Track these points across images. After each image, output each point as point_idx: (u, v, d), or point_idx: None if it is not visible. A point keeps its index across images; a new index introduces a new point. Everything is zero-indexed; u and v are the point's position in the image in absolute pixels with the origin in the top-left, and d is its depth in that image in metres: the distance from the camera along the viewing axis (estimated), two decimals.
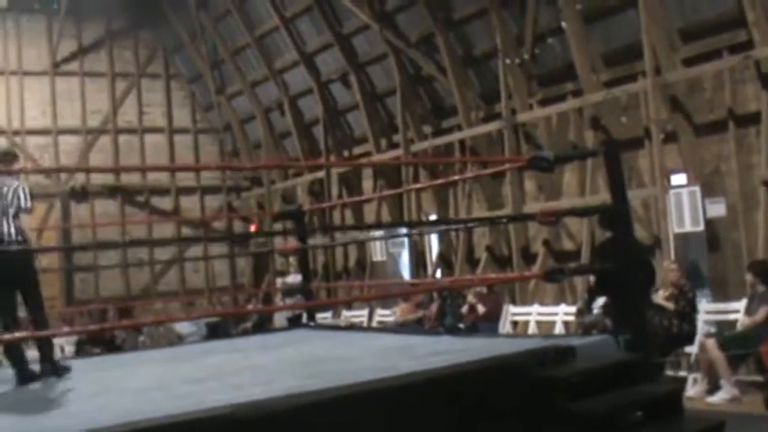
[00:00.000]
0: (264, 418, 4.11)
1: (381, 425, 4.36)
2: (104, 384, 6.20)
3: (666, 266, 10.95)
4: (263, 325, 16.31)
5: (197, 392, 5.19)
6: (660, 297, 10.34)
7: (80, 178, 22.88)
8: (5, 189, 6.83)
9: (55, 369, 6.83)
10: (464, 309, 13.67)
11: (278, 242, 16.97)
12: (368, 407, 4.40)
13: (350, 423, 4.28)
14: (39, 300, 6.91)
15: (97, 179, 23.12)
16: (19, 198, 6.82)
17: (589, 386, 5.04)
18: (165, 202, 23.96)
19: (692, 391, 9.75)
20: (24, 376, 6.64)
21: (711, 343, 9.74)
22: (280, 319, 15.40)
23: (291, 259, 16.65)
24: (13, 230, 6.77)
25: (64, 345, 14.94)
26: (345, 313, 17.34)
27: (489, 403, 4.74)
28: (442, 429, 4.54)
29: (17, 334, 6.65)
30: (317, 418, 4.23)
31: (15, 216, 6.73)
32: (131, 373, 6.80)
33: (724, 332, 10.65)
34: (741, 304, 10.56)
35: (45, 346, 6.95)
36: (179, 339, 14.89)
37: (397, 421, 4.41)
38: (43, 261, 20.13)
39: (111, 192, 23.32)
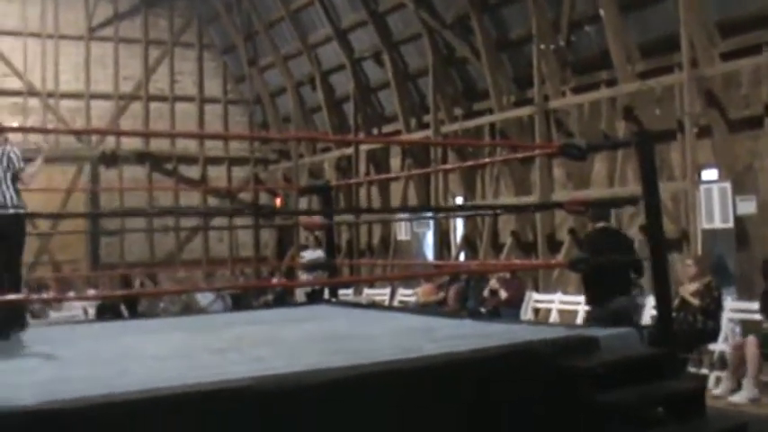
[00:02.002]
0: (286, 391, 4.11)
1: (401, 405, 4.36)
2: (125, 350, 6.21)
3: (685, 263, 10.88)
4: (284, 298, 16.35)
5: (218, 363, 5.21)
6: (686, 292, 10.26)
7: (110, 143, 22.99)
8: (3, 157, 7.13)
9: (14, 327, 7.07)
10: (486, 293, 13.64)
11: (303, 216, 16.97)
12: (388, 386, 4.40)
13: (370, 401, 4.28)
14: (19, 261, 7.30)
15: (127, 145, 23.22)
16: (12, 161, 7.15)
17: (612, 378, 5.01)
18: (193, 171, 24.02)
19: (717, 389, 9.68)
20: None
21: (752, 340, 9.59)
22: (300, 293, 15.44)
23: (313, 234, 16.69)
24: (12, 194, 7.11)
25: (87, 307, 15.06)
26: (367, 291, 17.34)
27: (510, 390, 4.73)
28: (463, 414, 4.53)
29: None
30: (338, 394, 4.23)
31: (14, 180, 7.01)
32: (152, 340, 6.83)
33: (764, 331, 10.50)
34: None
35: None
36: (199, 309, 14.94)
37: (418, 402, 4.40)
38: (70, 224, 20.36)
39: (140, 158, 23.40)
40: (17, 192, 7.16)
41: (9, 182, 7.09)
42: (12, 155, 7.15)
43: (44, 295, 13.53)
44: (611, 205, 10.31)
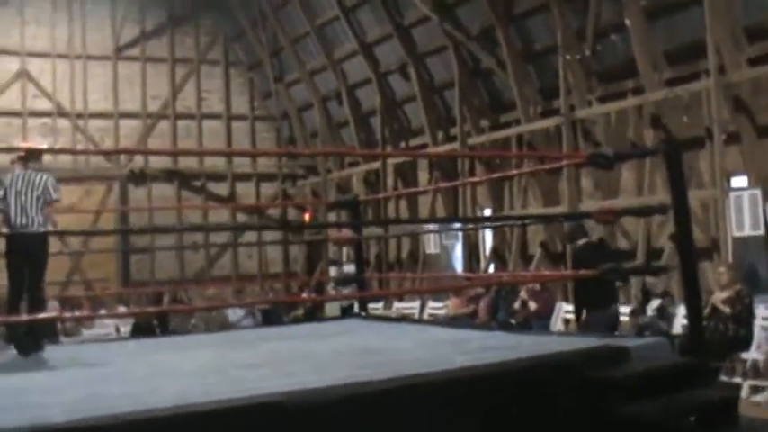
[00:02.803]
0: (318, 406, 4.12)
1: (433, 418, 4.35)
2: (157, 367, 6.24)
3: (717, 271, 10.83)
4: (314, 313, 16.39)
5: (250, 378, 5.22)
6: (717, 300, 10.19)
7: (139, 161, 23.17)
8: (37, 181, 7.49)
9: (34, 346, 7.20)
10: (516, 304, 13.60)
11: (332, 231, 17.03)
12: (420, 399, 4.39)
13: (402, 414, 4.27)
14: (40, 281, 7.57)
15: (155, 163, 23.38)
16: (48, 189, 7.51)
17: (642, 388, 4.97)
18: (222, 188, 24.15)
19: (757, 396, 9.61)
20: (23, 348, 7.11)
21: None
22: (331, 307, 15.47)
23: (345, 249, 16.73)
24: (40, 218, 7.43)
25: (119, 325, 15.16)
26: (397, 305, 17.35)
27: (542, 401, 4.72)
28: (494, 425, 4.51)
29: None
30: (371, 408, 4.23)
31: (43, 206, 7.27)
32: (184, 357, 6.85)
33: None
34: None
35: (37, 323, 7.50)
36: (230, 325, 15.00)
37: (449, 415, 4.39)
38: (100, 243, 20.54)
39: (169, 176, 23.56)
40: (43, 216, 7.38)
41: (38, 207, 7.36)
42: (49, 184, 7.48)
43: (76, 313, 13.65)
44: (582, 222, 10.76)
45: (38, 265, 7.50)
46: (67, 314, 11.67)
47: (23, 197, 7.38)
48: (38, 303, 7.48)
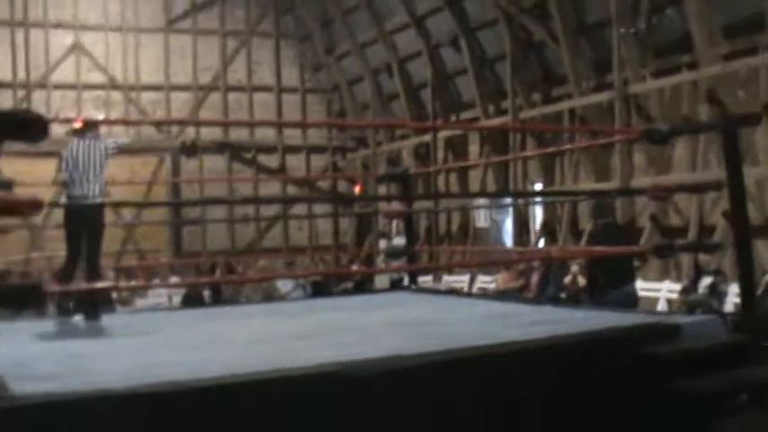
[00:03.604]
0: (372, 376, 4.15)
1: (485, 391, 4.37)
2: (210, 336, 6.33)
3: None
4: (363, 285, 16.46)
5: (304, 348, 5.28)
6: None
7: (190, 133, 23.33)
8: (92, 150, 7.64)
9: (92, 313, 7.38)
10: (567, 279, 13.55)
11: (382, 204, 17.08)
12: (473, 372, 4.42)
13: (455, 387, 4.30)
14: (97, 250, 7.73)
15: (206, 135, 23.54)
16: (106, 152, 7.73)
17: (694, 365, 4.96)
18: (272, 160, 24.27)
19: None
20: (90, 317, 7.30)
21: None
22: (380, 280, 15.52)
23: (395, 222, 16.75)
24: (97, 189, 7.59)
25: (172, 294, 15.35)
26: (446, 278, 17.36)
27: (593, 376, 4.71)
28: (545, 399, 4.53)
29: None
30: (424, 380, 4.27)
31: (100, 174, 7.36)
32: (237, 326, 6.94)
33: None
34: None
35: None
36: (280, 296, 15.12)
37: (502, 388, 4.41)
38: (153, 214, 20.79)
39: (220, 148, 23.71)
40: (100, 185, 7.48)
41: (96, 175, 7.45)
42: (109, 146, 7.61)
43: (132, 282, 13.86)
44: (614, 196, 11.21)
45: (95, 235, 7.63)
46: (122, 283, 11.82)
47: (81, 168, 7.50)
48: (95, 273, 7.61)
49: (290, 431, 3.94)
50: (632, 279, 10.07)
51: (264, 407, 3.94)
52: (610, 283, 9.67)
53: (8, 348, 5.44)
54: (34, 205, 4.05)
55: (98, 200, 7.56)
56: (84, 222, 7.54)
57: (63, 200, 7.65)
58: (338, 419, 4.06)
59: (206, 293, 15.58)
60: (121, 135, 18.85)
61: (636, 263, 11.23)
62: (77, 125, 7.90)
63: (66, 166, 7.64)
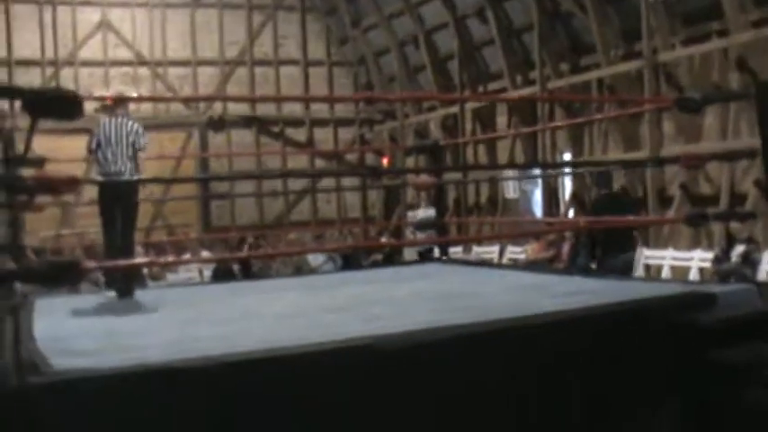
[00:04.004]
0: (406, 349, 4.17)
1: (521, 362, 4.38)
2: (243, 310, 6.37)
3: None
4: (392, 257, 16.48)
5: (336, 322, 5.31)
6: None
7: (217, 108, 23.39)
8: (126, 128, 7.69)
9: (126, 290, 7.48)
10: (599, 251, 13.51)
11: (411, 176, 17.06)
12: (507, 345, 4.42)
13: (492, 359, 4.30)
14: (132, 226, 7.81)
15: (234, 110, 23.58)
16: (137, 137, 7.72)
17: (730, 335, 4.93)
18: (299, 134, 24.31)
19: None
20: (123, 294, 7.39)
21: None
22: (409, 252, 15.52)
23: (423, 193, 16.73)
24: (130, 166, 7.67)
25: (203, 269, 15.45)
26: (476, 249, 17.34)
27: (629, 346, 4.70)
28: (580, 370, 4.52)
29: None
30: (458, 352, 4.27)
31: (134, 153, 7.39)
32: (269, 300, 6.98)
33: None
34: None
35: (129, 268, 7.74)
36: (311, 269, 15.18)
37: (536, 360, 4.41)
38: (182, 189, 20.90)
39: (247, 122, 23.77)
40: (134, 163, 7.53)
41: (128, 153, 7.51)
42: (137, 130, 7.63)
43: (164, 258, 13.95)
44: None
45: (130, 212, 7.68)
46: (158, 259, 11.91)
47: (115, 145, 7.55)
48: (129, 249, 7.68)
49: (322, 404, 3.95)
50: (631, 248, 10.37)
51: (298, 381, 3.97)
52: (610, 251, 9.92)
53: (46, 324, 5.50)
54: (71, 183, 4.09)
55: (132, 177, 7.60)
56: (118, 199, 7.59)
57: (97, 177, 7.70)
58: (370, 393, 4.08)
59: (236, 267, 15.66)
60: (148, 112, 18.86)
61: (635, 233, 11.97)
62: (106, 102, 7.97)
63: (98, 143, 7.70)
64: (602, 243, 10.64)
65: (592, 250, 11.26)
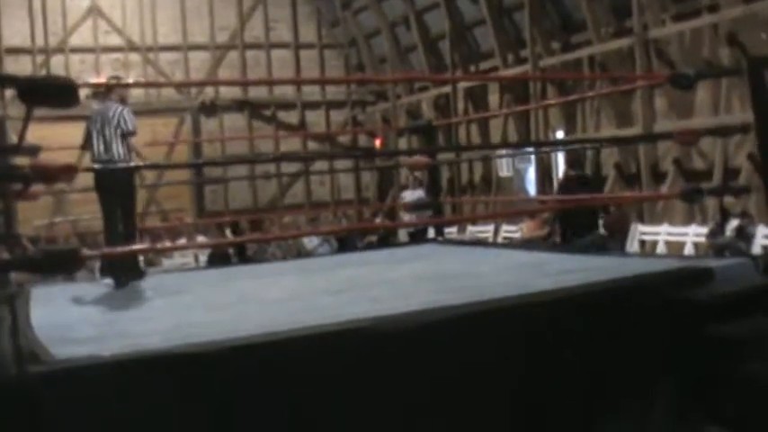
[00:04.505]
0: (407, 331, 4.18)
1: (520, 341, 4.39)
2: (241, 294, 6.38)
3: None
4: (387, 239, 16.48)
5: (335, 304, 5.31)
6: None
7: (209, 93, 23.34)
8: (110, 113, 7.61)
9: (125, 278, 7.44)
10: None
11: (404, 157, 17.04)
12: (508, 324, 4.43)
13: (492, 338, 4.32)
14: (131, 211, 7.84)
15: (226, 94, 23.55)
16: (125, 122, 7.67)
17: (729, 309, 4.94)
18: (291, 117, 24.28)
19: None
20: (120, 282, 7.34)
21: None
22: (404, 233, 15.54)
23: (410, 175, 16.75)
24: (121, 151, 7.65)
25: (198, 254, 15.43)
26: (471, 228, 17.35)
27: (626, 323, 4.72)
28: (579, 347, 4.54)
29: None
30: (459, 333, 4.28)
31: (123, 137, 7.38)
32: (267, 284, 6.99)
33: None
34: None
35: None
36: (307, 252, 15.18)
37: (536, 338, 4.43)
38: (175, 174, 20.84)
39: (239, 106, 23.73)
40: (126, 148, 7.52)
41: (119, 139, 7.48)
42: (125, 115, 7.58)
43: (160, 244, 13.93)
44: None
45: (126, 198, 7.67)
46: (156, 245, 11.90)
47: (105, 131, 7.54)
48: (130, 236, 7.68)
49: (325, 387, 3.96)
50: (596, 227, 10.58)
51: (298, 364, 3.98)
52: (576, 231, 10.16)
53: (45, 312, 5.51)
54: (68, 171, 4.09)
55: (124, 162, 7.59)
56: (113, 187, 7.57)
57: (92, 165, 7.70)
58: (372, 375, 4.09)
59: (231, 251, 15.65)
60: (140, 98, 18.79)
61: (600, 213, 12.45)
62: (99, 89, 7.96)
63: (89, 131, 7.70)
64: (569, 224, 11.18)
65: (561, 231, 11.60)
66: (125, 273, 7.41)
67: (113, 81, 7.90)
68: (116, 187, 7.59)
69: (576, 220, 10.74)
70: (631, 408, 4.61)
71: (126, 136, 7.62)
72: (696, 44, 14.07)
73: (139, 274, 7.66)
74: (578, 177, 11.74)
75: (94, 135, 7.65)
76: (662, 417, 4.64)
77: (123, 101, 7.85)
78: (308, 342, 4.06)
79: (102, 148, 7.56)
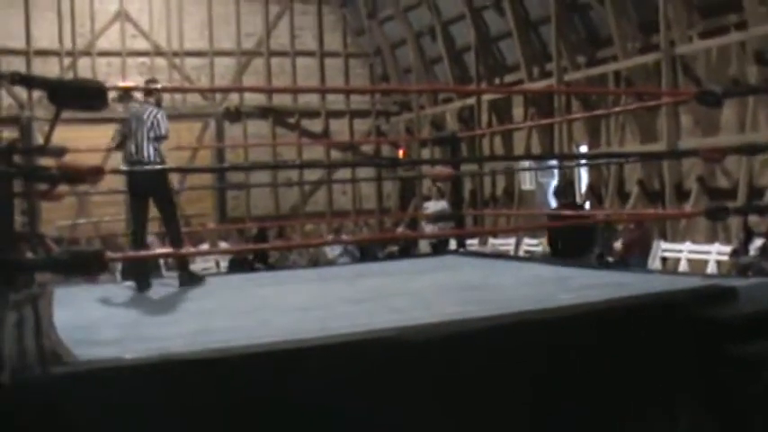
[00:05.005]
0: (430, 342, 4.16)
1: (542, 356, 4.36)
2: (263, 301, 6.38)
3: None
4: (408, 249, 16.48)
5: (357, 313, 5.30)
6: None
7: (234, 99, 23.44)
8: (145, 115, 7.55)
9: (190, 278, 7.59)
10: (617, 244, 13.51)
11: (427, 167, 17.04)
12: (530, 337, 4.41)
13: (514, 352, 4.29)
14: (172, 214, 7.81)
15: (250, 100, 23.62)
16: (158, 125, 7.56)
17: (751, 330, 4.91)
18: (315, 125, 24.35)
19: None
20: (142, 285, 7.26)
21: None
22: (425, 244, 15.53)
23: (434, 187, 16.74)
24: (152, 152, 7.53)
25: (219, 260, 15.48)
26: (492, 241, 17.34)
27: (649, 340, 4.68)
28: (601, 363, 4.51)
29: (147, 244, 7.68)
30: (482, 345, 4.26)
31: (155, 140, 7.36)
32: (289, 291, 6.99)
33: None
34: None
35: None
36: (328, 261, 15.20)
37: (558, 353, 4.40)
38: (198, 179, 20.92)
39: (264, 113, 23.81)
40: (158, 151, 7.50)
41: (152, 142, 7.46)
42: (160, 118, 7.56)
43: (186, 249, 13.95)
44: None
45: (163, 200, 7.66)
46: (179, 250, 11.92)
47: (138, 133, 7.53)
48: (177, 238, 7.67)
49: (347, 396, 3.95)
50: (590, 251, 11.46)
51: (321, 372, 3.96)
52: (569, 253, 10.31)
53: (67, 314, 5.52)
54: (95, 172, 4.11)
55: (157, 165, 7.56)
56: (147, 190, 7.55)
57: (123, 166, 7.70)
58: (395, 385, 4.07)
59: (252, 257, 15.67)
60: (165, 102, 18.88)
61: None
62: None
63: (124, 133, 7.70)
64: (563, 245, 11.32)
65: (554, 252, 11.83)
66: (145, 277, 7.40)
67: (152, 85, 7.82)
68: (152, 192, 7.57)
69: (569, 243, 10.97)
70: (653, 426, 4.58)
71: (158, 139, 7.59)
72: (723, 61, 14.02)
73: (158, 277, 7.64)
74: (567, 206, 11.98)
75: (128, 137, 7.65)
76: None
77: (159, 104, 7.85)
78: (333, 350, 4.04)
79: (133, 149, 7.54)
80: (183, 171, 20.42)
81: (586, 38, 17.27)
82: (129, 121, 7.66)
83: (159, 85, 9.25)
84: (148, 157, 7.49)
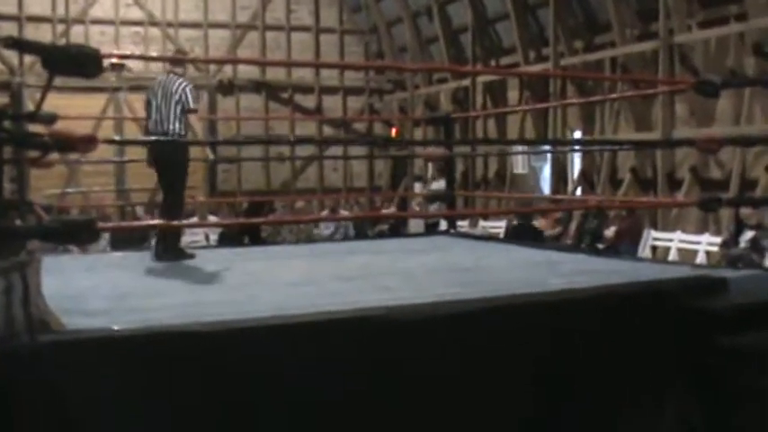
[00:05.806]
0: (419, 322, 4.15)
1: (531, 340, 4.35)
2: (253, 276, 6.37)
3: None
4: (398, 229, 16.47)
5: (347, 291, 5.30)
6: None
7: (228, 72, 23.30)
8: (174, 87, 7.44)
9: (176, 256, 7.36)
10: (608, 232, 13.52)
11: (420, 147, 17.01)
12: (519, 321, 4.39)
13: (502, 334, 4.28)
14: (178, 189, 7.65)
15: (244, 74, 23.50)
16: (186, 96, 7.38)
17: (740, 322, 4.91)
18: (308, 101, 24.22)
19: None
20: (180, 255, 7.27)
21: None
22: (415, 224, 15.52)
23: (432, 165, 16.69)
24: (177, 125, 7.41)
25: (209, 233, 15.42)
26: (482, 223, 17.31)
27: (639, 328, 4.68)
28: (590, 349, 4.50)
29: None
30: (471, 327, 4.25)
31: (183, 112, 7.22)
32: (279, 267, 6.98)
33: None
34: None
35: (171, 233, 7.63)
36: (319, 237, 15.18)
37: (548, 338, 4.40)
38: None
39: (257, 87, 23.68)
40: (181, 124, 7.36)
41: (177, 113, 7.32)
42: (188, 91, 7.42)
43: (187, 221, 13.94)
44: None
45: (174, 172, 7.53)
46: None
47: (164, 104, 7.40)
48: (172, 210, 7.53)
49: (336, 373, 3.94)
50: None
51: (309, 348, 3.94)
52: None
53: (56, 283, 5.46)
54: (89, 141, 4.06)
55: (176, 137, 7.44)
56: (163, 160, 7.46)
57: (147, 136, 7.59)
58: (383, 364, 4.06)
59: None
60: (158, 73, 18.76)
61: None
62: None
63: (148, 102, 7.60)
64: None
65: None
66: (168, 245, 7.34)
67: (180, 56, 7.68)
68: (167, 162, 7.46)
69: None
70: (641, 414, 4.58)
71: (187, 112, 7.50)
72: (721, 52, 13.98)
73: (187, 256, 7.51)
74: (522, 226, 12.92)
75: (153, 107, 7.53)
76: (671, 424, 4.61)
77: (183, 75, 7.72)
78: (322, 326, 4.03)
79: (158, 120, 7.44)
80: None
81: (584, 23, 17.20)
82: (155, 92, 7.54)
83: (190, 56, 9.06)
84: (173, 130, 7.39)
